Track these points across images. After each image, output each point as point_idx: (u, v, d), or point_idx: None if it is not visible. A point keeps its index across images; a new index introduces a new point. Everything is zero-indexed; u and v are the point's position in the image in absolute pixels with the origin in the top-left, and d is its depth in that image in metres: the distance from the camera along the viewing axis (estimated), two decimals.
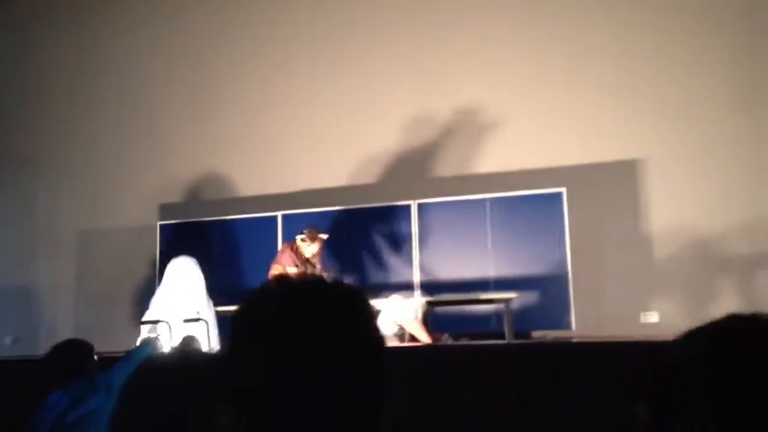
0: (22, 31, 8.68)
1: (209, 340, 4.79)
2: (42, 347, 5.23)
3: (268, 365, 0.77)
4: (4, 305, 8.01)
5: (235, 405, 0.78)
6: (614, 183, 6.47)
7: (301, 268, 5.58)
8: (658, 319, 6.13)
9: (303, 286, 0.86)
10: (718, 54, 6.36)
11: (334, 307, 0.81)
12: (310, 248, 5.68)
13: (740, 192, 6.18)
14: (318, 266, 5.77)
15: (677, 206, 6.25)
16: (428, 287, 6.35)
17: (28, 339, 7.47)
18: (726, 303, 5.87)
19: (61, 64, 8.51)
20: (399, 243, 6.66)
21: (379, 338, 0.84)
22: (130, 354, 3.64)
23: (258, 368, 0.77)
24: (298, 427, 0.76)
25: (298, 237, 5.72)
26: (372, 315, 0.86)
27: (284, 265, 5.56)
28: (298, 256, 5.67)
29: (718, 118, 6.29)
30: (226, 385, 0.80)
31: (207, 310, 5.00)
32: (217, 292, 5.79)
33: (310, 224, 5.95)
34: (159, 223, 7.51)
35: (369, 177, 7.27)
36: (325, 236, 5.80)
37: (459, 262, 6.42)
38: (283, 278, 0.87)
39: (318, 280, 0.88)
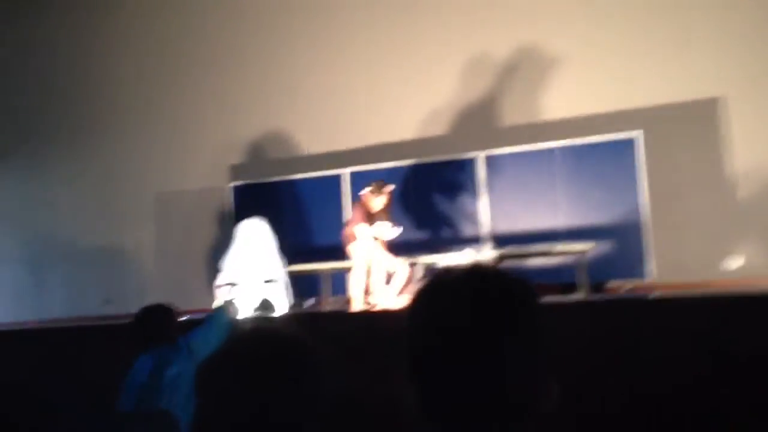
0: (92, 3, 8.88)
1: (285, 301, 4.90)
2: (130, 307, 5.50)
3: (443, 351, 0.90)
4: (93, 268, 8.43)
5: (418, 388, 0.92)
6: (693, 123, 6.12)
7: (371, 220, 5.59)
8: (743, 263, 5.86)
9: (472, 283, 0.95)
10: None
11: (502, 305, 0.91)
12: (377, 201, 5.67)
13: None
14: (388, 217, 5.75)
15: (761, 146, 5.88)
16: (499, 239, 6.27)
17: (118, 300, 7.83)
18: None
19: (131, 31, 8.68)
20: (467, 196, 6.56)
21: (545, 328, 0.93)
22: (210, 318, 3.75)
23: (435, 352, 0.90)
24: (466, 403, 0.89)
25: (365, 191, 5.71)
26: (538, 309, 0.95)
27: (354, 223, 5.57)
28: (366, 211, 5.67)
29: None
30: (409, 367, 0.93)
31: (280, 271, 5.09)
32: (288, 251, 5.91)
33: (376, 179, 5.92)
34: (230, 185, 7.66)
35: (434, 129, 7.15)
36: (390, 188, 5.78)
37: (529, 213, 6.28)
38: (449, 272, 0.98)
39: (484, 276, 0.96)
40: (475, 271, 0.97)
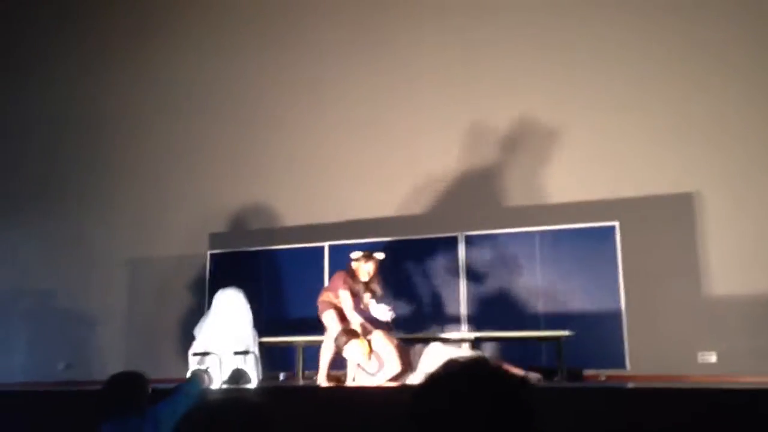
0: (70, 72, 9.00)
1: (257, 373, 4.79)
2: (93, 374, 5.33)
3: None
4: (58, 332, 8.20)
5: None
6: (669, 217, 6.28)
7: (357, 290, 5.36)
8: (716, 359, 5.89)
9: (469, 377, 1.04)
10: None
11: (497, 404, 1.00)
12: (365, 267, 5.40)
13: None
14: (378, 290, 5.46)
15: (735, 241, 6.03)
16: (476, 321, 6.25)
17: (82, 366, 7.60)
18: None
19: (108, 95, 8.76)
20: (446, 276, 6.58)
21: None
22: (179, 388, 3.63)
23: None
24: None
25: (352, 258, 5.49)
26: (530, 406, 1.03)
27: (335, 290, 5.39)
28: (355, 280, 5.42)
29: None
30: None
31: (253, 343, 5.00)
32: (264, 323, 5.81)
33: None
34: (209, 252, 7.61)
35: (416, 208, 7.24)
36: (380, 255, 5.51)
37: (508, 297, 6.30)
38: (451, 366, 1.07)
39: (480, 369, 1.05)
40: (482, 369, 1.06)
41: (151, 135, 8.52)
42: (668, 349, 5.85)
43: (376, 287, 5.47)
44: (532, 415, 1.01)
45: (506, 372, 1.08)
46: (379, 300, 5.42)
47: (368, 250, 5.51)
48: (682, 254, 6.16)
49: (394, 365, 4.84)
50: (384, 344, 4.90)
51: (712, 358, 5.87)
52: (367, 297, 5.40)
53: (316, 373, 5.50)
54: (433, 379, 1.07)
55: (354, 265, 5.45)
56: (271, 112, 8.00)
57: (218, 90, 8.25)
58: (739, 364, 5.66)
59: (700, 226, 6.19)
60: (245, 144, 8.05)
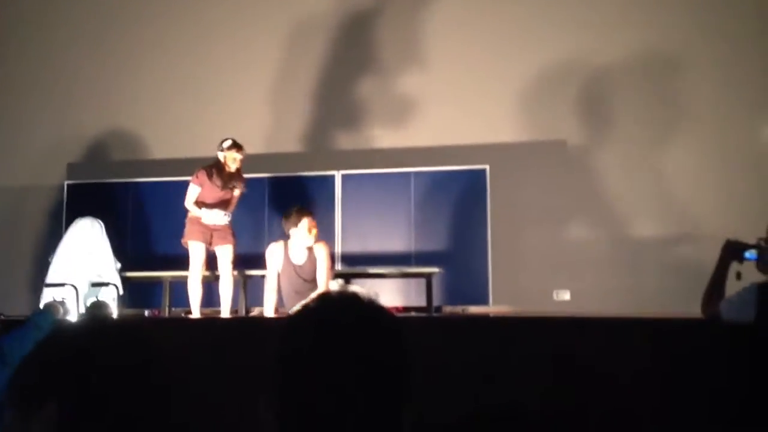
0: None
1: (118, 305, 4.57)
2: None
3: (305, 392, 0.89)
4: None
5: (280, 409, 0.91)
6: (536, 162, 6.58)
7: (210, 190, 5.21)
8: (570, 297, 6.33)
9: (333, 316, 0.96)
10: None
11: (364, 340, 0.92)
12: (235, 155, 5.24)
13: (649, 173, 6.43)
14: (241, 186, 5.38)
15: (596, 189, 6.43)
16: (349, 259, 6.29)
17: None
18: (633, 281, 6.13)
19: None
20: (322, 213, 6.54)
21: (403, 365, 0.95)
22: (29, 320, 3.39)
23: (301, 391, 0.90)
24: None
25: (223, 147, 5.27)
26: (398, 340, 0.96)
27: (190, 190, 5.24)
28: (219, 171, 5.24)
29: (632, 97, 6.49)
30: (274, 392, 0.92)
31: (115, 274, 4.76)
32: (128, 258, 5.53)
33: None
34: (66, 182, 7.08)
35: (293, 146, 7.11)
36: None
37: (381, 235, 6.39)
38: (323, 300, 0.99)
39: (349, 305, 0.97)
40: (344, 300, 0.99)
41: (5, 55, 7.69)
42: (528, 288, 6.20)
43: (239, 183, 5.36)
44: (404, 350, 0.96)
45: (381, 306, 1.01)
46: (241, 195, 5.40)
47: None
48: (546, 199, 6.48)
49: None
50: None
51: (566, 296, 6.29)
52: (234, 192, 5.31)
53: (185, 312, 5.35)
54: (301, 313, 0.98)
55: (221, 154, 5.28)
56: (126, 32, 7.43)
57: (85, 10, 7.56)
58: (590, 302, 6.14)
59: (566, 173, 6.53)
60: (109, 71, 7.46)
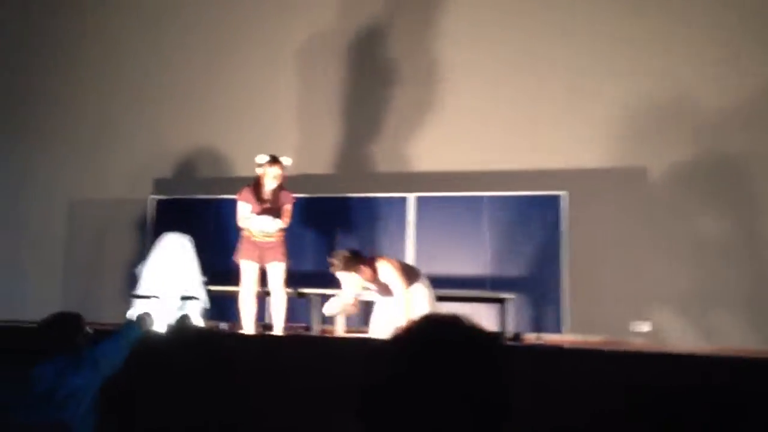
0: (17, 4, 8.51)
1: (203, 318, 4.75)
2: (29, 315, 5.17)
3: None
4: None
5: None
6: (616, 189, 6.42)
7: (258, 207, 5.25)
8: (647, 329, 6.12)
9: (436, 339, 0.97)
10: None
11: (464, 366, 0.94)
12: (271, 171, 5.28)
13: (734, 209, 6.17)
14: (287, 199, 5.38)
15: (679, 216, 6.22)
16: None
17: (18, 306, 7.35)
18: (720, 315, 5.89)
19: (53, 30, 8.33)
20: (394, 235, 6.59)
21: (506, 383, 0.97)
22: (119, 331, 3.56)
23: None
24: None
25: (257, 163, 5.32)
26: (504, 372, 0.98)
27: (239, 208, 5.33)
28: (258, 191, 5.31)
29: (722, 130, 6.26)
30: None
31: (201, 288, 4.94)
32: (207, 271, 5.73)
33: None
34: (152, 197, 7.42)
35: (368, 167, 7.22)
36: (287, 161, 5.37)
37: (454, 259, 6.37)
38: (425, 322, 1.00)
39: (453, 329, 0.98)
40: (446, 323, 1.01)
41: (98, 74, 8.16)
42: (604, 317, 6.04)
43: (284, 196, 5.37)
44: (503, 375, 0.97)
45: (482, 328, 1.03)
46: (292, 208, 5.38)
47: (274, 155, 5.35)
48: (627, 227, 6.31)
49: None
50: None
51: (645, 327, 6.09)
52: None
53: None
54: (407, 332, 1.00)
55: (258, 170, 5.33)
56: (221, 52, 7.73)
57: (172, 28, 7.94)
58: (669, 335, 5.93)
59: (647, 200, 6.34)
60: (198, 89, 7.78)
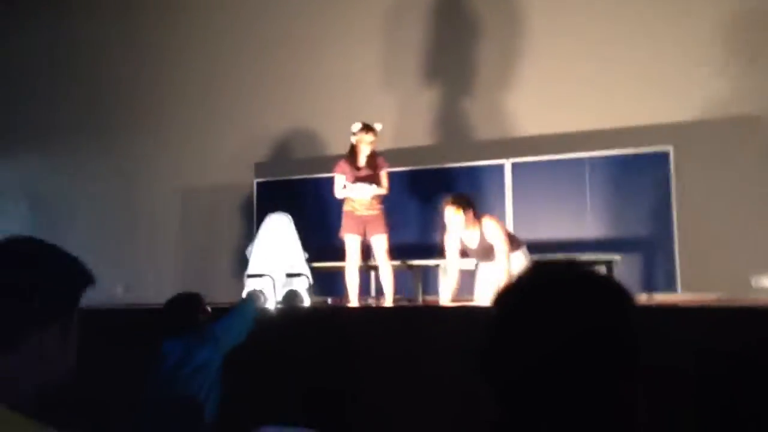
0: (112, 2, 8.92)
1: (309, 294, 4.90)
2: (151, 298, 5.52)
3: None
4: (114, 259, 8.41)
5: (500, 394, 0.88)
6: (725, 142, 6.04)
7: (352, 176, 5.33)
8: None
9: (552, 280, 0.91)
10: None
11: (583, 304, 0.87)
12: (366, 138, 5.33)
13: None
14: (382, 164, 5.43)
15: None
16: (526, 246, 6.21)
17: (139, 290, 7.84)
18: None
19: (154, 27, 8.69)
20: (491, 203, 6.51)
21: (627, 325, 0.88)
22: (236, 308, 3.75)
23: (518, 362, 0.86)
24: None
25: (352, 132, 5.38)
26: (621, 300, 0.91)
27: (336, 180, 5.42)
28: (353, 159, 5.39)
29: None
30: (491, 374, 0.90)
31: (305, 265, 5.10)
32: (309, 249, 5.88)
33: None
34: (255, 180, 7.68)
35: (461, 135, 7.15)
36: (379, 126, 5.40)
37: (555, 223, 6.24)
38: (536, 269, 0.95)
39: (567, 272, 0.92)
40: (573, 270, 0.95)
41: (196, 62, 8.47)
42: (722, 274, 5.74)
43: (380, 162, 5.42)
44: (630, 311, 0.89)
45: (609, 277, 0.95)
46: (387, 175, 5.45)
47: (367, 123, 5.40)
48: (739, 180, 5.94)
49: None
50: None
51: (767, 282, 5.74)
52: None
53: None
54: (518, 278, 0.92)
55: (353, 138, 5.40)
56: (315, 35, 7.83)
57: (265, 13, 8.11)
58: None
59: (763, 151, 5.93)
60: (291, 70, 7.93)
